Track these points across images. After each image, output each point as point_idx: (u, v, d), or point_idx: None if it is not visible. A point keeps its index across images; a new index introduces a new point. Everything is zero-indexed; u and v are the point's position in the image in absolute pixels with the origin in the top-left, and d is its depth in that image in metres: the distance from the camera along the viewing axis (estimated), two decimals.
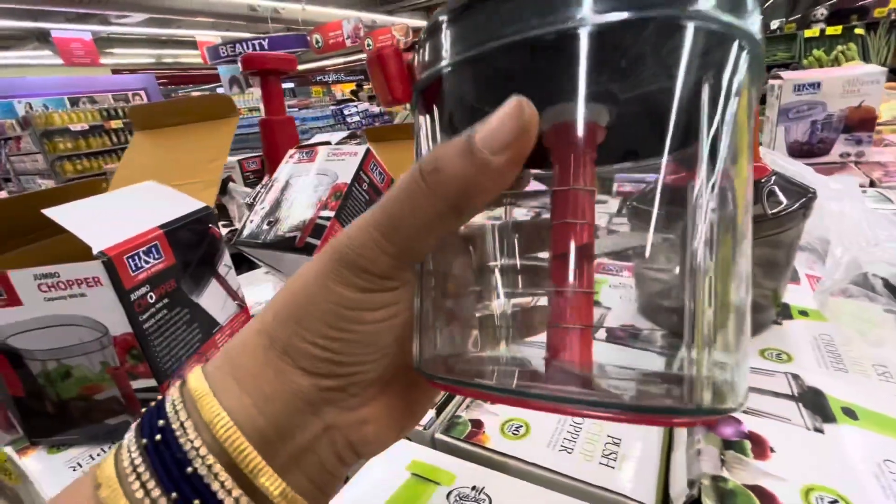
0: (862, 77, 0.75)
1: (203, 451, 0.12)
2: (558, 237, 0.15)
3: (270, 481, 0.13)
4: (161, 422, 0.13)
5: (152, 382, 0.32)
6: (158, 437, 0.12)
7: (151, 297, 0.32)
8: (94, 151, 5.16)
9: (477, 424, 0.33)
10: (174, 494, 0.12)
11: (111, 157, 5.28)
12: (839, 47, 3.02)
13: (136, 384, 0.32)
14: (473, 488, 0.27)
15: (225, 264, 0.41)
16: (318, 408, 0.14)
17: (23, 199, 0.35)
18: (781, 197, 0.37)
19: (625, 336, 0.42)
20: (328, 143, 0.82)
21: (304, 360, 0.13)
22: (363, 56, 8.45)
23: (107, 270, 0.29)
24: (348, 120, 5.41)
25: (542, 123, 0.14)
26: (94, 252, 0.29)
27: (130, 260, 0.31)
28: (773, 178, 0.38)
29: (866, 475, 0.24)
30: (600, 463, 0.28)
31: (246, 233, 0.48)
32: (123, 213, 0.34)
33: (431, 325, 0.15)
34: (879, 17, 3.08)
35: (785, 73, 0.82)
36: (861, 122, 0.78)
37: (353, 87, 7.48)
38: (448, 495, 0.27)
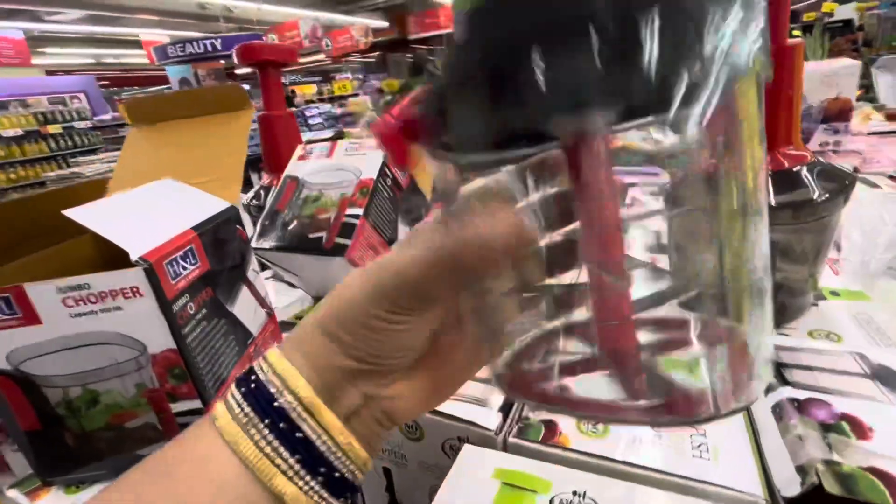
0: (839, 70, 0.80)
1: (285, 393, 0.17)
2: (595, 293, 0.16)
3: (331, 418, 0.17)
4: (253, 377, 0.18)
5: (197, 404, 0.28)
6: (253, 385, 0.18)
7: (191, 308, 0.28)
8: (31, 159, 4.75)
9: (550, 426, 0.31)
10: (267, 420, 0.17)
11: (50, 164, 4.88)
12: None
13: (177, 407, 0.28)
14: (575, 493, 0.26)
15: (253, 269, 0.38)
16: (356, 381, 0.18)
17: (24, 202, 0.30)
18: (824, 182, 0.38)
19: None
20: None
21: (345, 348, 0.18)
22: (321, 57, 8.26)
23: (148, 278, 0.25)
24: (310, 122, 5.28)
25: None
26: (133, 258, 0.25)
27: (170, 266, 0.27)
28: (817, 164, 0.38)
29: None
30: (693, 456, 0.28)
31: (266, 236, 0.44)
32: (151, 214, 0.30)
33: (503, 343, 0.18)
34: (810, 21, 3.33)
35: None
36: (838, 113, 0.82)
37: (312, 89, 7.29)
38: (550, 503, 0.25)
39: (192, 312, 0.28)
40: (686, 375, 0.16)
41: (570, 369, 0.18)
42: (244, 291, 0.36)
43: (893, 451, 0.24)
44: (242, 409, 0.17)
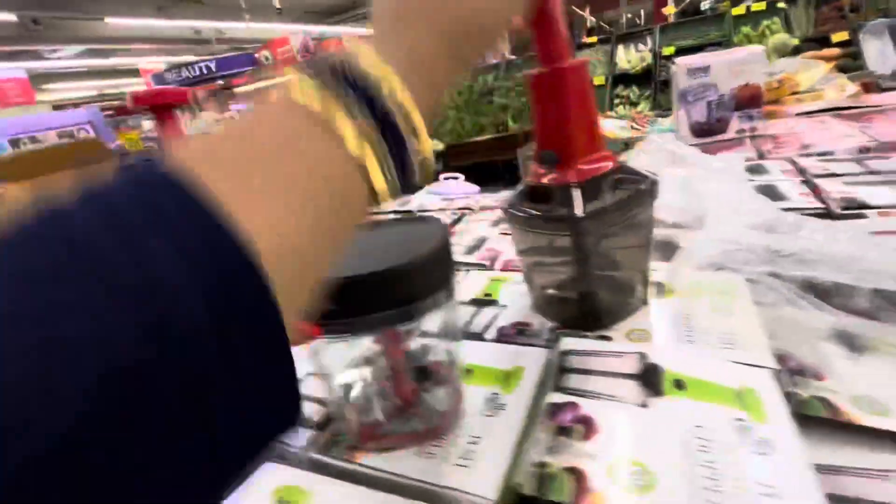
0: (745, 58, 0.80)
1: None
2: None
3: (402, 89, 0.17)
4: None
5: None
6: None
7: None
8: None
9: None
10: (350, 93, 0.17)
11: None
12: (765, 22, 3.17)
13: None
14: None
15: None
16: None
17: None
18: (627, 186, 0.40)
19: (513, 333, 0.44)
20: None
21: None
22: None
23: None
24: None
25: None
26: None
27: None
28: (619, 170, 0.40)
29: (673, 443, 0.26)
30: (455, 465, 0.30)
31: None
32: None
33: None
34: None
35: (678, 59, 0.86)
36: (749, 100, 0.82)
37: None
38: None
39: None
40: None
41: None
42: None
43: (600, 451, 0.26)
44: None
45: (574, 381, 0.33)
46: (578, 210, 0.37)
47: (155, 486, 0.11)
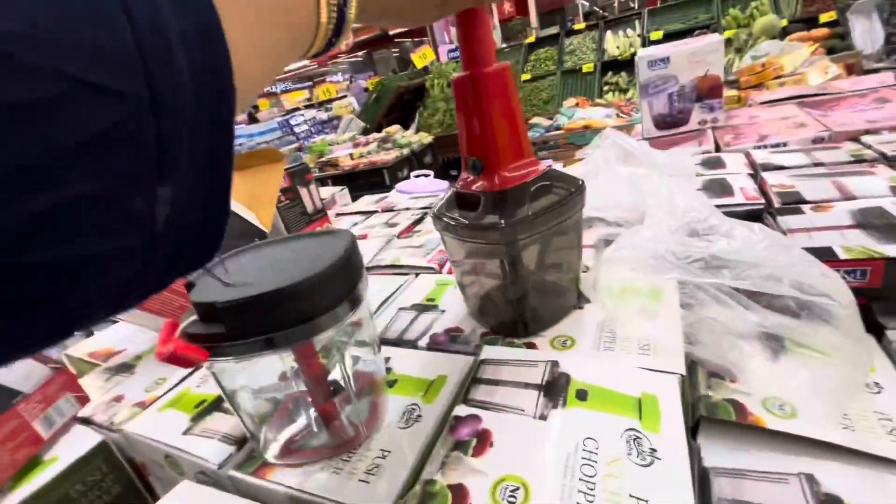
0: (703, 48, 0.79)
1: None
2: None
3: None
4: None
5: None
6: None
7: None
8: None
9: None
10: None
11: None
12: (753, 4, 3.13)
13: None
14: None
15: None
16: None
17: None
18: (555, 191, 0.39)
19: (445, 341, 0.44)
20: None
21: None
22: (306, 63, 8.28)
23: None
24: (296, 129, 5.32)
25: None
26: None
27: None
28: (546, 174, 0.39)
29: (558, 458, 0.26)
30: (359, 480, 0.30)
31: None
32: None
33: None
34: None
35: (641, 51, 0.85)
36: (710, 90, 0.82)
37: (303, 94, 7.29)
38: None
39: None
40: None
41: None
42: None
43: (487, 467, 0.27)
44: None
45: (482, 392, 0.33)
46: (501, 218, 0.36)
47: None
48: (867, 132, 0.65)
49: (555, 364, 0.35)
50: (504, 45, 4.10)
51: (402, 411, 0.36)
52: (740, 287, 0.34)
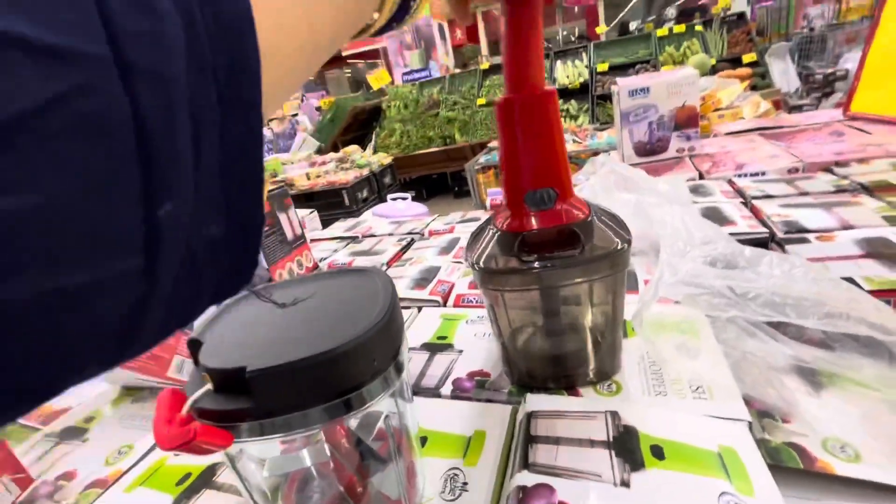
0: (681, 80, 0.82)
1: None
2: None
3: None
4: None
5: None
6: None
7: None
8: None
9: None
10: None
11: None
12: (685, 43, 3.43)
13: None
14: None
15: None
16: None
17: None
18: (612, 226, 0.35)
19: (471, 388, 0.40)
20: None
21: None
22: None
23: None
24: None
25: None
26: None
27: None
28: (593, 217, 0.33)
29: None
30: None
31: None
32: None
33: None
34: (717, 13, 3.56)
35: (620, 80, 0.87)
36: (687, 120, 0.85)
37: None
38: None
39: None
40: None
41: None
42: None
43: None
44: None
45: (543, 453, 0.29)
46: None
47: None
48: (837, 164, 0.70)
49: (615, 415, 0.31)
50: (458, 70, 4.20)
51: (443, 477, 0.31)
52: (808, 326, 0.32)
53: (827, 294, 0.32)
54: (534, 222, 0.32)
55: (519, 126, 0.30)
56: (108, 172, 0.08)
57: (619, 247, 0.31)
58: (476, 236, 0.36)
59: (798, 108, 2.08)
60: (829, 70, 2.25)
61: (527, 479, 0.27)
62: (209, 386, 0.22)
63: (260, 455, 0.28)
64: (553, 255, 0.32)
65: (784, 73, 3.28)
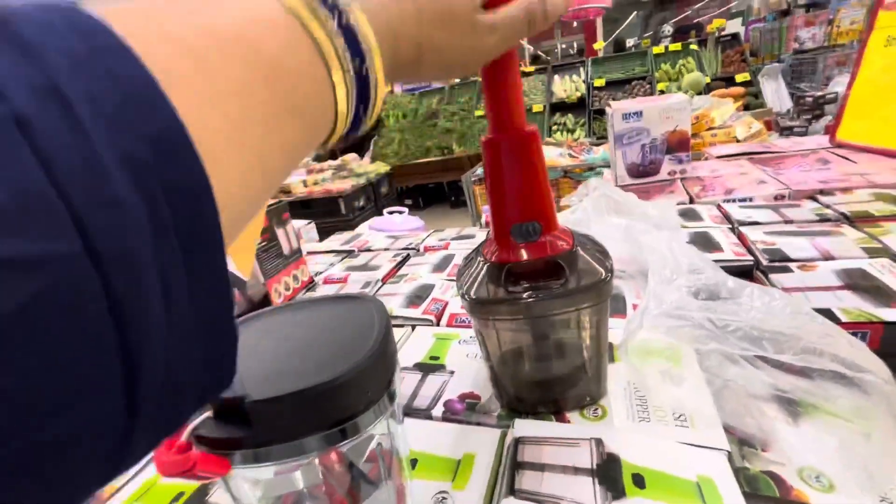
0: (673, 105, 0.85)
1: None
2: None
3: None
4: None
5: None
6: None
7: None
8: None
9: None
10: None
11: None
12: (681, 61, 3.50)
13: None
14: None
15: None
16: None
17: None
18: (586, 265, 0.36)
19: (462, 410, 0.41)
20: None
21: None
22: None
23: None
24: None
25: None
26: None
27: None
28: (577, 248, 0.35)
29: None
30: None
31: None
32: None
33: None
34: (711, 33, 3.63)
35: (614, 104, 0.90)
36: (678, 144, 0.87)
37: None
38: None
39: None
40: None
41: None
42: None
43: None
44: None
45: (529, 480, 0.30)
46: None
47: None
48: (821, 191, 0.72)
49: (599, 443, 0.33)
50: (457, 81, 4.24)
51: (432, 500, 0.32)
52: (784, 360, 0.34)
53: (804, 328, 0.34)
54: (520, 254, 0.33)
55: (504, 164, 0.32)
56: (86, 344, 0.09)
57: (602, 277, 0.33)
58: (467, 265, 0.38)
59: (789, 129, 2.12)
60: (819, 93, 2.30)
61: None
62: (209, 413, 0.23)
63: (254, 477, 0.29)
64: (539, 284, 0.34)
65: (776, 94, 3.35)
